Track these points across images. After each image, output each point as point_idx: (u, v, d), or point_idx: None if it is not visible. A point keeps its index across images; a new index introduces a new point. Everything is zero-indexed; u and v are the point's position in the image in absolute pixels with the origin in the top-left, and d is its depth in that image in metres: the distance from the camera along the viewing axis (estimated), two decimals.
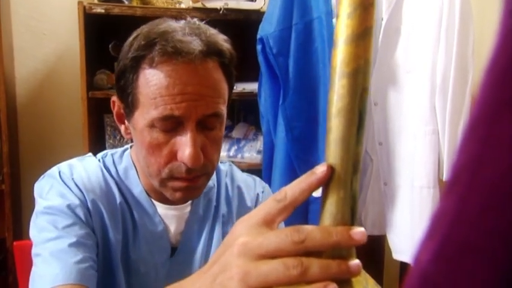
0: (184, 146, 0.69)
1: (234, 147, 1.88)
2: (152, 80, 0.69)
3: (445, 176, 1.61)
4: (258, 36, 1.63)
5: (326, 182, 0.36)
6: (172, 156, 0.71)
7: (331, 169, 0.35)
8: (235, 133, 1.96)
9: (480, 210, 0.19)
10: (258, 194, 0.91)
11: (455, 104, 1.56)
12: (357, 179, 0.36)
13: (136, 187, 0.81)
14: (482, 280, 0.18)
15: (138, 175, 0.81)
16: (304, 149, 1.66)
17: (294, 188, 0.37)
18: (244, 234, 0.38)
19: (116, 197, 0.79)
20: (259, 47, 1.64)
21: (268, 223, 0.38)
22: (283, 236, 0.36)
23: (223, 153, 1.84)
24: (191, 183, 0.73)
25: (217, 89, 0.72)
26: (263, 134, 1.78)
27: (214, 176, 0.88)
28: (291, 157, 1.66)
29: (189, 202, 0.84)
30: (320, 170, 0.36)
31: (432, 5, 1.53)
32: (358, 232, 0.35)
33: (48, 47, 1.98)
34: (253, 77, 1.78)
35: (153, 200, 0.81)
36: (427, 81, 1.56)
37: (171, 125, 0.70)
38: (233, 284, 0.36)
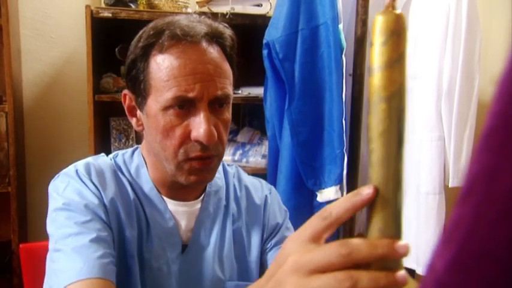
0: (199, 124, 0.73)
1: (239, 152, 1.88)
2: (163, 64, 0.73)
3: (450, 183, 1.60)
4: (264, 41, 1.64)
5: (372, 201, 0.39)
6: (186, 136, 0.74)
7: (376, 191, 0.38)
8: (240, 137, 1.96)
9: (496, 218, 0.19)
10: (266, 196, 0.94)
11: (461, 110, 1.55)
12: (401, 195, 0.39)
13: (147, 184, 0.82)
14: None
15: (149, 172, 0.83)
16: (309, 154, 1.65)
17: (339, 207, 0.40)
18: (294, 252, 0.41)
19: (129, 195, 0.81)
20: (265, 52, 1.64)
21: (316, 239, 0.41)
22: (330, 250, 0.38)
23: (228, 158, 1.84)
24: (205, 165, 0.76)
25: (223, 70, 0.76)
26: (268, 139, 1.78)
27: (222, 177, 0.91)
28: (296, 162, 1.65)
29: (200, 199, 0.85)
30: (366, 191, 0.38)
31: (439, 11, 1.53)
32: (403, 246, 0.37)
33: (55, 50, 1.99)
34: (259, 81, 1.78)
35: (163, 196, 0.83)
36: (433, 87, 1.56)
37: (184, 105, 0.73)
38: None
